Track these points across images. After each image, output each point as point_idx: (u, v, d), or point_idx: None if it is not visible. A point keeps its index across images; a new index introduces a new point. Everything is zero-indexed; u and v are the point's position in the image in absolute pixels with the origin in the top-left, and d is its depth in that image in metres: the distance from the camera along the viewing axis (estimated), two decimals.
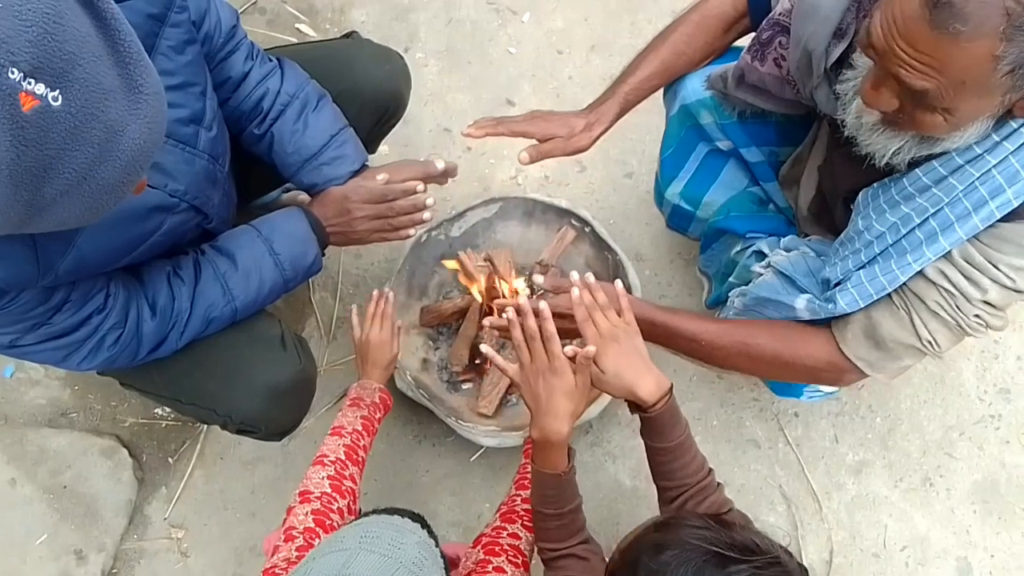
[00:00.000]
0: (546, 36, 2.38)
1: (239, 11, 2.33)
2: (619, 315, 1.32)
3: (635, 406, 1.29)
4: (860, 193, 1.28)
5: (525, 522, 1.35)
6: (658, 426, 1.26)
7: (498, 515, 1.39)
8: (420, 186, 1.48)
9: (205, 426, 1.98)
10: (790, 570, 0.96)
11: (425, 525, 0.99)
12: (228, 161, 1.39)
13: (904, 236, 1.18)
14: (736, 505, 1.27)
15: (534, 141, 1.48)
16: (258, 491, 1.94)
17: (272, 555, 1.19)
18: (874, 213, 1.23)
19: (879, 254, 1.22)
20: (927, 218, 1.15)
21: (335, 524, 1.26)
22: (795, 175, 1.63)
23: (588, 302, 1.30)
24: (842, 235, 1.33)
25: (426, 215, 1.50)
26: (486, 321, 1.42)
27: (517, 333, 1.28)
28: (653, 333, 1.40)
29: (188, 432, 1.98)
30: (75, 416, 2.00)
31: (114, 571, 1.87)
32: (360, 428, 1.48)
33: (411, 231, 1.52)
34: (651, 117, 2.15)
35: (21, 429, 1.95)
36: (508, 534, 1.32)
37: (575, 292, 1.29)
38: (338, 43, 1.72)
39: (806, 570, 0.99)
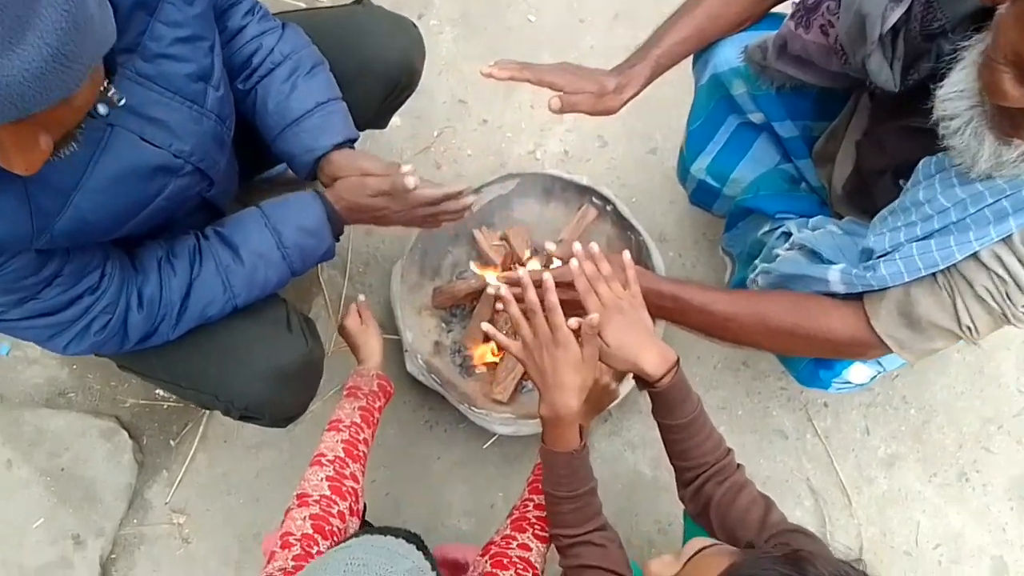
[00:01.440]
0: (567, 3, 2.26)
1: None
2: (624, 287, 1.27)
3: (643, 382, 1.25)
4: (920, 163, 1.19)
5: (537, 531, 1.27)
6: (667, 402, 1.22)
7: (509, 521, 1.31)
8: (469, 189, 1.39)
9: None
10: None
11: (421, 546, 0.90)
12: (234, 126, 1.30)
13: (971, 214, 1.09)
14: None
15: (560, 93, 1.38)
16: (262, 476, 1.86)
17: (269, 561, 1.12)
18: (940, 186, 1.14)
19: (938, 229, 1.13)
20: (1001, 198, 1.06)
21: (335, 529, 1.18)
22: (830, 151, 1.54)
23: (591, 273, 1.25)
24: (893, 204, 1.23)
25: (467, 215, 1.41)
26: (499, 305, 1.33)
27: (514, 309, 1.22)
28: (661, 306, 1.35)
29: (190, 414, 1.91)
30: (73, 396, 1.93)
31: (113, 556, 1.81)
32: (359, 420, 1.39)
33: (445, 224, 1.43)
34: (677, 90, 2.03)
35: (18, 409, 1.88)
36: (518, 544, 1.23)
37: (574, 263, 1.24)
38: (347, 10, 1.61)
39: None
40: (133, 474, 1.85)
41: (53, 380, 1.93)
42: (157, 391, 1.92)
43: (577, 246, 1.27)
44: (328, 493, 1.23)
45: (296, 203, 1.34)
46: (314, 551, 1.12)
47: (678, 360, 1.22)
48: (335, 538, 1.17)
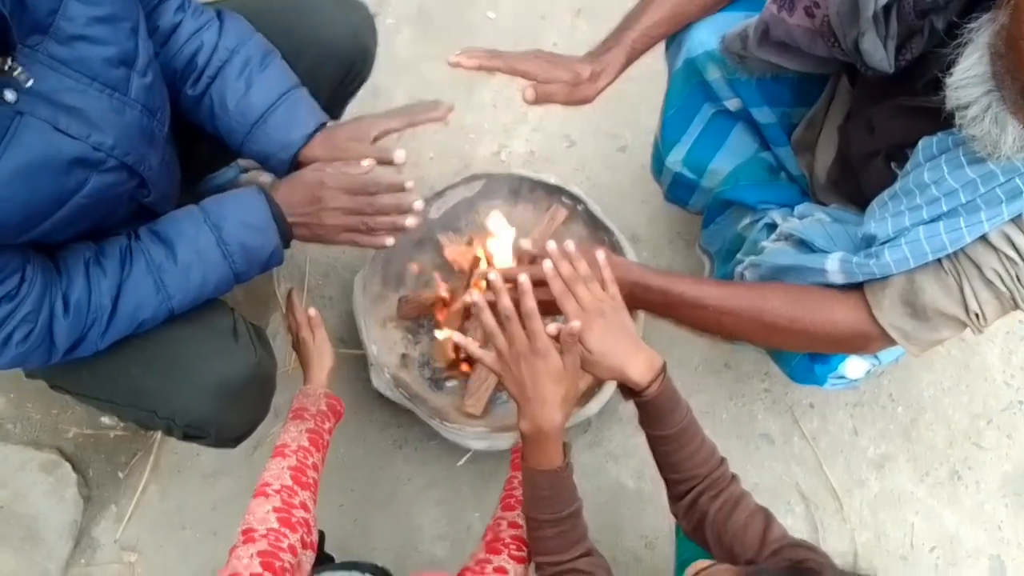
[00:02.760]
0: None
1: None
2: (603, 288, 1.17)
3: (628, 391, 1.16)
4: (920, 143, 1.12)
5: (513, 551, 1.18)
6: (656, 411, 1.13)
7: (483, 543, 1.22)
8: (409, 183, 1.26)
9: (159, 436, 1.77)
10: None
11: None
12: (168, 121, 1.19)
13: (981, 195, 1.03)
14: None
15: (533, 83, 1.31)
16: (220, 507, 1.74)
17: None
18: (947, 166, 1.08)
19: (946, 212, 1.07)
20: (1014, 177, 1.00)
21: (287, 565, 1.06)
22: (808, 140, 1.50)
23: (567, 274, 1.15)
24: (895, 188, 1.17)
25: (410, 221, 1.26)
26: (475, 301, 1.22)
27: (486, 317, 1.12)
28: (649, 300, 1.27)
29: (140, 443, 1.78)
30: (11, 427, 1.78)
31: None
32: (307, 444, 1.28)
33: (388, 240, 1.28)
34: (645, 85, 1.97)
35: None
36: (493, 568, 1.15)
37: (547, 265, 1.14)
38: None
39: None
40: (79, 510, 1.71)
41: None
42: (103, 419, 1.79)
43: (551, 244, 1.18)
44: (276, 526, 1.11)
45: (237, 198, 1.23)
46: None
47: (664, 366, 1.14)
48: (284, 575, 1.05)
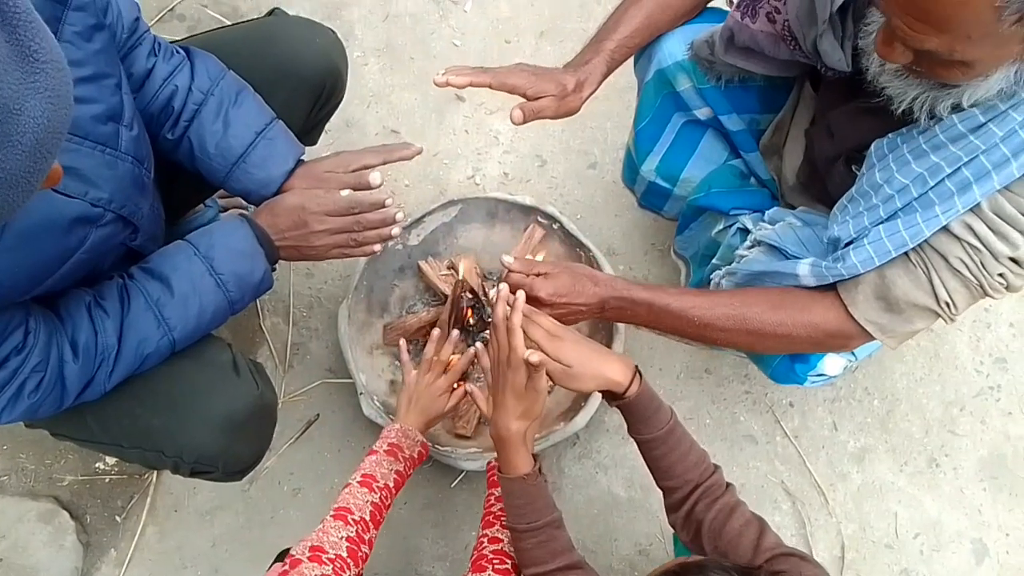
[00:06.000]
0: (492, 25, 2.23)
1: (155, 19, 2.16)
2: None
3: (611, 397, 1.24)
4: (872, 145, 1.18)
5: (497, 566, 1.23)
6: (640, 411, 1.21)
7: (470, 563, 1.26)
8: (389, 199, 1.33)
9: (154, 477, 1.78)
10: None
11: None
12: (153, 166, 1.22)
13: (932, 188, 1.08)
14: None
15: (520, 99, 1.33)
16: (219, 544, 1.75)
17: None
18: (895, 164, 1.13)
19: (901, 208, 1.12)
20: (960, 167, 1.05)
21: None
22: (776, 144, 1.55)
23: (521, 317, 1.21)
24: (851, 191, 1.23)
25: (395, 230, 1.34)
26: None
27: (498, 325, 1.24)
28: (635, 313, 1.32)
29: (135, 486, 1.79)
30: (5, 480, 1.79)
31: None
32: (391, 485, 1.33)
33: (376, 247, 1.35)
34: (611, 104, 2.04)
35: None
36: None
37: (499, 311, 1.22)
38: (259, 21, 1.55)
39: None
40: (79, 557, 1.72)
41: None
42: (97, 464, 1.80)
43: (507, 258, 1.29)
44: (345, 555, 1.15)
45: (222, 228, 1.28)
46: None
47: (637, 367, 1.23)
48: None
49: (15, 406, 1.10)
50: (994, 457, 1.87)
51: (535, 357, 1.17)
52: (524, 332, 1.20)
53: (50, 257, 1.04)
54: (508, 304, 1.21)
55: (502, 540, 1.24)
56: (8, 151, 0.65)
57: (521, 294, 1.20)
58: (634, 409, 1.20)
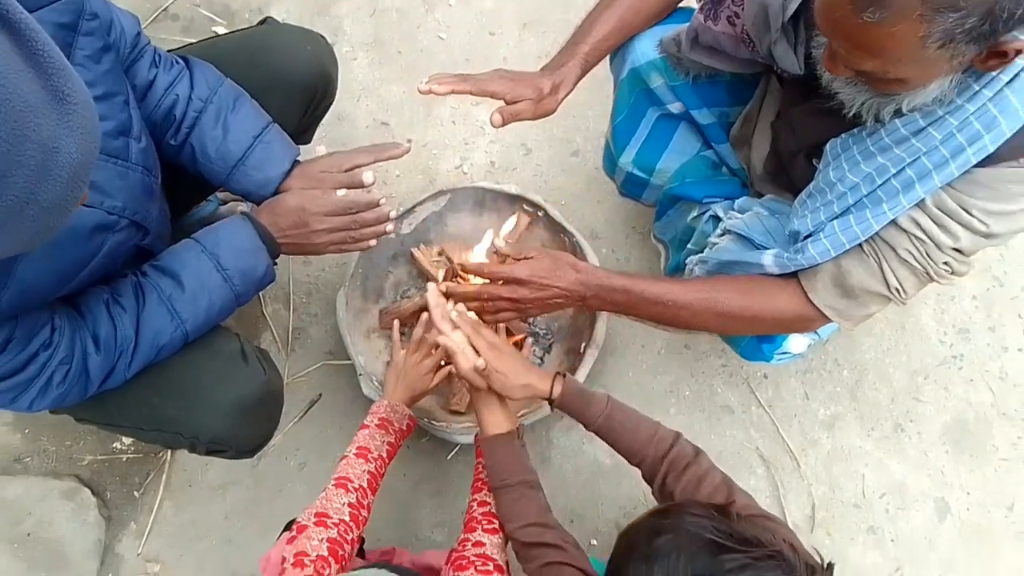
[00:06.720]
0: (476, 18, 2.32)
1: (150, 19, 2.25)
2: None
3: (550, 402, 1.39)
4: (828, 144, 1.28)
5: (486, 526, 1.33)
6: (573, 408, 1.36)
7: (463, 526, 1.38)
8: (383, 199, 1.44)
9: (169, 455, 1.91)
10: (792, 565, 0.94)
11: None
12: (160, 173, 1.32)
13: (880, 186, 1.18)
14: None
15: (500, 102, 1.41)
16: (231, 516, 1.88)
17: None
18: (847, 164, 1.23)
19: (853, 204, 1.22)
20: (904, 167, 1.15)
21: (346, 554, 1.21)
22: (745, 135, 1.63)
23: (472, 324, 1.40)
24: (810, 187, 1.32)
25: (389, 227, 1.46)
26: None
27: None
28: (614, 300, 1.41)
29: (151, 463, 1.91)
30: (29, 461, 1.91)
31: None
32: (384, 455, 1.44)
33: (372, 242, 1.47)
34: (592, 94, 2.12)
35: None
36: (472, 543, 1.30)
37: (445, 331, 1.38)
38: (253, 30, 1.64)
39: (813, 569, 0.97)
40: (101, 530, 1.84)
41: (5, 447, 1.91)
42: (114, 444, 1.92)
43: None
44: (347, 519, 1.26)
45: (226, 227, 1.38)
46: (326, 573, 1.15)
47: (557, 374, 1.39)
48: (343, 564, 1.20)
49: (45, 396, 1.20)
50: (956, 422, 1.98)
51: (480, 363, 1.33)
52: (470, 341, 1.36)
53: (73, 262, 1.14)
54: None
55: (490, 503, 1.36)
56: (49, 184, 0.75)
57: (446, 305, 1.40)
58: (567, 407, 1.36)
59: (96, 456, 1.92)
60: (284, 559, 1.17)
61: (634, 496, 1.90)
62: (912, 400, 2.00)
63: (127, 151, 1.20)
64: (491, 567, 1.24)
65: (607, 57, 1.59)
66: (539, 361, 1.93)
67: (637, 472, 1.35)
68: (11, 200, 0.73)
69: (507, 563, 1.29)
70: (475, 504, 1.38)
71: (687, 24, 1.46)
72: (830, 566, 1.02)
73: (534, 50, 2.28)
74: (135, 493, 1.89)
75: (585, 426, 1.36)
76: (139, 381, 1.32)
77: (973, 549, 1.88)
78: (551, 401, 1.37)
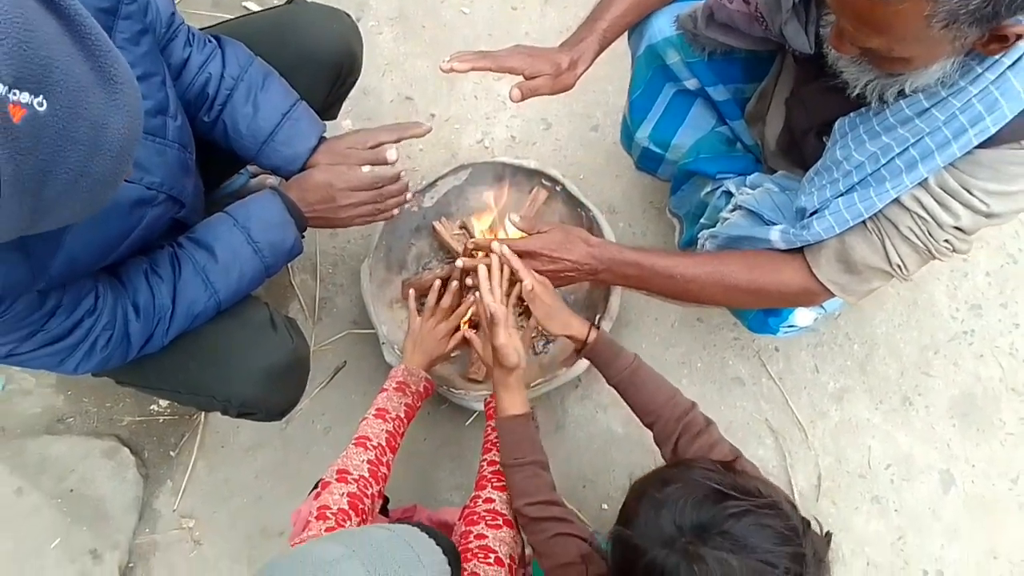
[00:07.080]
0: None
1: None
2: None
3: (580, 349, 1.46)
4: (836, 123, 1.31)
5: (495, 484, 1.41)
6: (602, 356, 1.42)
7: (474, 484, 1.45)
8: (403, 172, 1.52)
9: (203, 418, 2.01)
10: (789, 518, 1.01)
11: (454, 561, 0.96)
12: (194, 150, 1.39)
13: (884, 165, 1.22)
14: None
15: (520, 78, 1.45)
16: (261, 476, 1.98)
17: (303, 529, 1.24)
18: (853, 144, 1.27)
19: (858, 183, 1.26)
20: (908, 147, 1.18)
21: (366, 508, 1.30)
22: (760, 111, 1.65)
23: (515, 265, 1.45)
24: (817, 165, 1.36)
25: (409, 196, 1.55)
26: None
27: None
28: (626, 274, 1.46)
29: (186, 425, 2.02)
30: (72, 421, 2.02)
31: (131, 565, 1.92)
32: (403, 415, 1.52)
33: (395, 211, 1.55)
34: (611, 68, 2.15)
35: (20, 439, 1.97)
36: (482, 500, 1.38)
37: (489, 265, 1.45)
38: (280, 10, 1.69)
39: (808, 523, 1.05)
40: (140, 487, 1.95)
41: (50, 408, 2.03)
42: (151, 407, 2.02)
43: (503, 249, 1.44)
44: (367, 475, 1.35)
45: (257, 202, 1.44)
46: (346, 525, 1.24)
47: (596, 326, 1.44)
48: (364, 516, 1.29)
49: (90, 359, 1.29)
50: (965, 396, 2.02)
51: (530, 284, 1.39)
52: (519, 274, 1.41)
53: (116, 234, 1.22)
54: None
55: (498, 462, 1.44)
56: (100, 159, 0.81)
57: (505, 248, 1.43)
58: (597, 354, 1.42)
59: (135, 417, 2.02)
60: (310, 512, 1.26)
61: (645, 464, 1.91)
62: (921, 374, 2.04)
63: (164, 129, 1.27)
64: (500, 521, 1.32)
65: (625, 33, 1.62)
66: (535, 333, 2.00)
67: (649, 441, 1.40)
68: (67, 174, 0.79)
69: (515, 518, 1.37)
70: (485, 464, 1.46)
71: (703, 1, 1.49)
72: (828, 535, 1.09)
73: (556, 24, 2.31)
74: (171, 453, 2.00)
75: (608, 379, 1.42)
76: (175, 347, 1.40)
77: (977, 519, 1.93)
78: (583, 347, 1.44)
